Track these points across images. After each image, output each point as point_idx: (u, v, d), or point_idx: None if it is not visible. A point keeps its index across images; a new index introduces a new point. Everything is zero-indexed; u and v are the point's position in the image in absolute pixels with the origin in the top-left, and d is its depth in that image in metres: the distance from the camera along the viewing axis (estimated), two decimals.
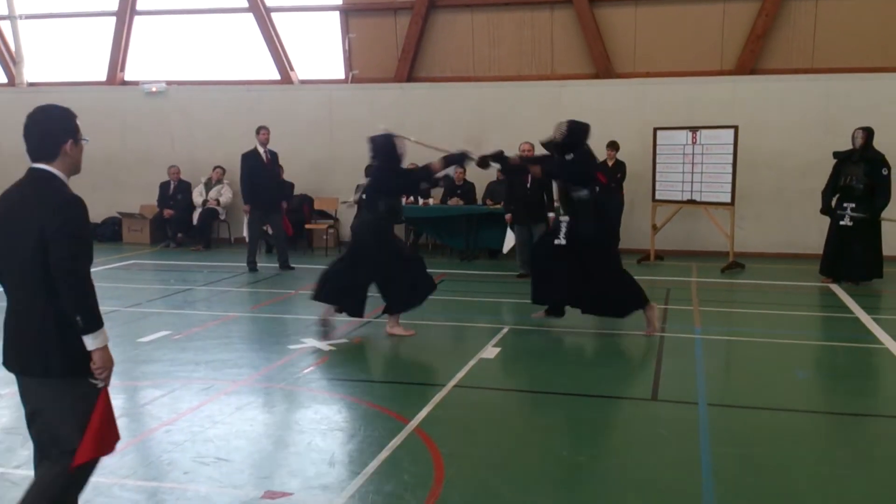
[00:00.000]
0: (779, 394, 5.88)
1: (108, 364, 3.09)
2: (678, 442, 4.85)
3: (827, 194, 10.26)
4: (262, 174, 11.29)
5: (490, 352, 6.91)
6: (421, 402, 5.47)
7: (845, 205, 10.01)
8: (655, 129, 12.17)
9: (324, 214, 14.18)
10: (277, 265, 11.62)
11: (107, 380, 3.12)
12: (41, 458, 3.19)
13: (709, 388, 5.94)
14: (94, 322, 3.02)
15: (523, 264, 10.75)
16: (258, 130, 11.42)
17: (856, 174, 9.93)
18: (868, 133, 10.03)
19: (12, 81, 15.81)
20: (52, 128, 3.10)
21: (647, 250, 12.28)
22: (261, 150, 11.36)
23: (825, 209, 10.30)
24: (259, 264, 11.64)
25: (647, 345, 7.34)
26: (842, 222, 10.03)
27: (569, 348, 7.53)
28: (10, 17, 15.47)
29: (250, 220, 11.55)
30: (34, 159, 3.11)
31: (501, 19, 14.05)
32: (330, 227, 13.95)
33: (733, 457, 4.60)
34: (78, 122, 3.20)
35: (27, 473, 4.25)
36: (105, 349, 3.07)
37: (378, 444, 4.72)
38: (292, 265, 11.62)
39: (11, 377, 3.23)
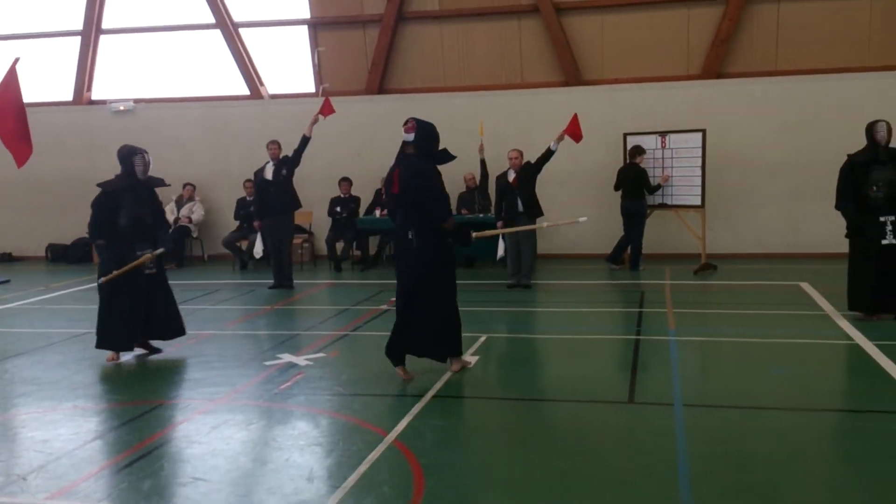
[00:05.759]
0: (754, 392, 5.93)
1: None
2: (656, 443, 4.87)
3: (851, 207, 8.00)
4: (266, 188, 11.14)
5: (468, 360, 6.90)
6: (399, 414, 5.46)
7: (883, 219, 7.88)
8: (625, 135, 12.30)
9: (299, 229, 14.09)
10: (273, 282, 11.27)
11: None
12: None
13: (684, 389, 5.97)
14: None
15: (514, 273, 10.69)
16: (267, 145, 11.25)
17: (885, 178, 7.87)
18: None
19: None
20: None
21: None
22: (269, 165, 11.13)
23: (856, 226, 8.01)
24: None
25: (623, 348, 7.39)
26: (885, 241, 7.85)
27: (545, 354, 7.55)
28: None
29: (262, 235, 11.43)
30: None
31: (470, 29, 14.10)
32: (305, 242, 13.90)
33: (711, 456, 4.64)
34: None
35: None
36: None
37: (357, 458, 4.69)
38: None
39: None
